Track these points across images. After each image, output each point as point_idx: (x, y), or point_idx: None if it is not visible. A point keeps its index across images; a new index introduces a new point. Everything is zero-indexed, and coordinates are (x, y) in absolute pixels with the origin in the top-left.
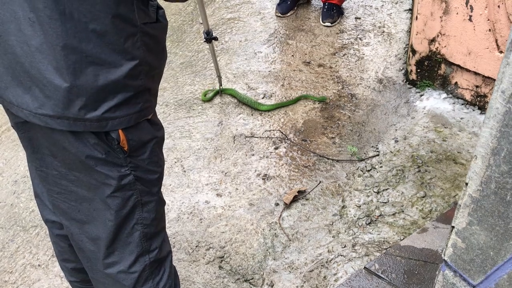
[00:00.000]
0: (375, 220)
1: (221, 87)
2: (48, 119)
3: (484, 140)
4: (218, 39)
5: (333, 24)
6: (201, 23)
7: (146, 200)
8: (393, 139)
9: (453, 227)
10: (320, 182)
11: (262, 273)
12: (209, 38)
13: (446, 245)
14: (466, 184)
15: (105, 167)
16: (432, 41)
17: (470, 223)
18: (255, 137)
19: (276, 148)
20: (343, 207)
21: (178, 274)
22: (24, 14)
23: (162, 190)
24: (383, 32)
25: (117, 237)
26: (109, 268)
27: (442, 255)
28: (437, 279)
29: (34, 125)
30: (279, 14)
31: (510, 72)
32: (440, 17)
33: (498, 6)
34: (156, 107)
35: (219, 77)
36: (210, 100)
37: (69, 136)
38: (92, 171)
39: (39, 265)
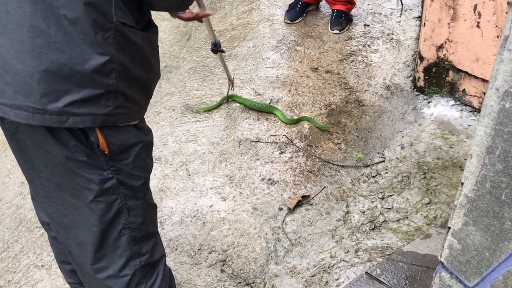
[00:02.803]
0: (379, 226)
1: (228, 93)
2: (7, 109)
3: (479, 138)
4: (225, 52)
5: (341, 31)
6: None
7: (132, 204)
8: (399, 145)
9: (449, 228)
10: (324, 188)
11: (263, 277)
12: (216, 49)
13: (443, 247)
14: (462, 184)
15: (86, 170)
16: (440, 47)
17: (465, 223)
18: (261, 141)
19: (281, 153)
20: (347, 212)
21: (180, 276)
22: None
23: (166, 193)
24: (392, 39)
25: (104, 242)
26: (99, 273)
27: (439, 257)
28: (434, 281)
29: (19, 126)
30: (288, 21)
31: (504, 69)
32: (448, 23)
33: (506, 12)
34: (163, 111)
35: (231, 82)
36: (215, 108)
37: (49, 138)
38: (74, 175)
39: (42, 266)
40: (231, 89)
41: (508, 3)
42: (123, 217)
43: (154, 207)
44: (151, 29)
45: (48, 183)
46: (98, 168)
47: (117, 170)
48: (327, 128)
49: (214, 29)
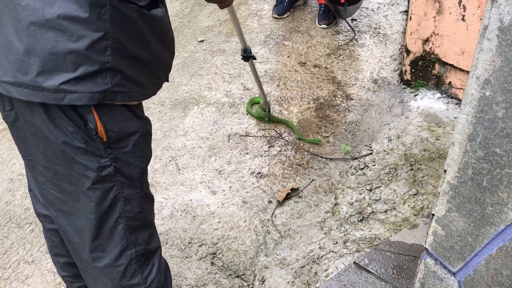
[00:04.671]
0: (367, 217)
1: (269, 114)
2: (10, 87)
3: (460, 126)
4: (257, 59)
5: (329, 26)
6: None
7: (128, 193)
8: (386, 138)
9: (433, 215)
10: (313, 180)
11: (253, 269)
12: (247, 56)
13: (427, 233)
14: (445, 171)
15: (84, 157)
16: (426, 41)
17: (449, 210)
18: (250, 136)
19: (270, 147)
20: (336, 204)
21: (170, 270)
22: None
23: (156, 187)
24: (379, 33)
25: (100, 231)
26: (96, 261)
27: (424, 244)
28: (419, 267)
29: (18, 113)
30: (276, 16)
31: (484, 58)
32: (434, 17)
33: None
34: (152, 106)
35: (266, 102)
36: (252, 114)
37: (48, 123)
38: (72, 162)
39: (32, 261)
40: (269, 113)
41: None
42: (119, 206)
43: (151, 198)
44: (157, 8)
45: (46, 172)
46: (96, 155)
47: (115, 158)
48: (319, 140)
49: (204, 24)
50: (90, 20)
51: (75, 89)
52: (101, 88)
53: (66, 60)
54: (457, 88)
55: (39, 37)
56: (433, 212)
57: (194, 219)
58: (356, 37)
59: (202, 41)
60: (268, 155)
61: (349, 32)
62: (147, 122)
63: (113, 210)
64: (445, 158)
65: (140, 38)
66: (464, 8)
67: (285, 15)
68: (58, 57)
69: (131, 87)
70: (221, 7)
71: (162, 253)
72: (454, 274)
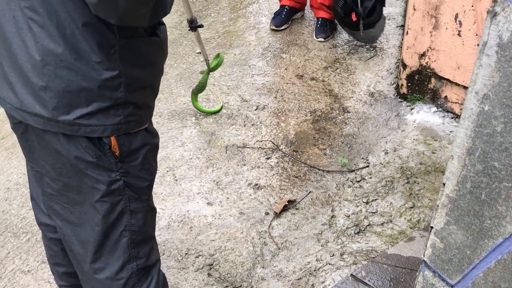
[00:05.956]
0: (364, 230)
1: (209, 68)
2: (26, 115)
3: (459, 140)
4: (203, 26)
5: (326, 39)
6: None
7: (135, 206)
8: (383, 151)
9: (431, 227)
10: (310, 192)
11: (250, 280)
12: (194, 26)
13: (426, 246)
14: (444, 184)
15: (95, 171)
16: (422, 55)
17: (447, 223)
18: (247, 147)
19: (267, 159)
20: (333, 216)
21: (167, 281)
22: (11, 12)
23: (153, 198)
24: (376, 47)
25: (104, 243)
26: (97, 273)
27: (422, 256)
28: (417, 280)
29: (28, 126)
30: (274, 27)
31: (483, 73)
32: (430, 32)
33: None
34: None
35: (207, 60)
36: (204, 86)
37: (62, 138)
38: (82, 175)
39: (28, 271)
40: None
41: (488, 12)
42: (125, 219)
43: (154, 210)
44: (160, 28)
45: (54, 183)
46: (106, 169)
47: (125, 172)
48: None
49: (202, 40)
50: (102, 61)
51: (89, 123)
52: (114, 121)
53: (80, 97)
54: (453, 102)
55: (53, 76)
56: (431, 225)
57: (191, 230)
58: (388, 17)
59: (200, 52)
60: (265, 167)
61: (345, 46)
62: (155, 135)
63: (119, 223)
64: (442, 172)
65: (151, 66)
66: (460, 23)
67: (283, 27)
68: (72, 95)
69: (142, 113)
70: None
71: None
72: (452, 286)
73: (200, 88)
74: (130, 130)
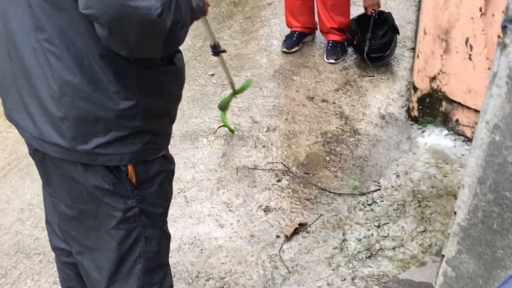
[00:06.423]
0: (375, 254)
1: (234, 90)
2: (45, 144)
3: (470, 169)
4: (226, 51)
5: (337, 61)
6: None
7: (150, 233)
8: (394, 174)
9: (443, 255)
10: (321, 215)
11: None
12: (217, 51)
13: (437, 274)
14: (455, 213)
15: (112, 198)
16: (433, 78)
17: (459, 251)
18: (258, 169)
19: (278, 181)
20: (344, 240)
21: None
22: (31, 44)
23: None
24: (386, 69)
25: (119, 269)
26: None
27: (434, 284)
28: None
29: (46, 154)
30: (285, 49)
31: (493, 104)
32: (441, 55)
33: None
34: None
35: (232, 83)
36: (227, 105)
37: (79, 167)
38: (99, 202)
39: None
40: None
41: (498, 44)
42: (140, 246)
43: (169, 236)
44: (177, 56)
45: (70, 210)
46: (123, 196)
47: (141, 199)
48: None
49: (216, 62)
50: (119, 91)
51: (106, 152)
52: (131, 150)
53: (97, 127)
54: (464, 125)
55: (71, 106)
56: (443, 253)
57: (201, 253)
58: (398, 39)
59: (213, 75)
60: (276, 189)
61: (356, 68)
62: (171, 161)
63: (133, 249)
64: (453, 195)
65: (163, 92)
66: (471, 47)
67: (294, 49)
68: (89, 124)
69: (159, 141)
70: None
71: None
72: None
73: (221, 106)
74: (147, 158)
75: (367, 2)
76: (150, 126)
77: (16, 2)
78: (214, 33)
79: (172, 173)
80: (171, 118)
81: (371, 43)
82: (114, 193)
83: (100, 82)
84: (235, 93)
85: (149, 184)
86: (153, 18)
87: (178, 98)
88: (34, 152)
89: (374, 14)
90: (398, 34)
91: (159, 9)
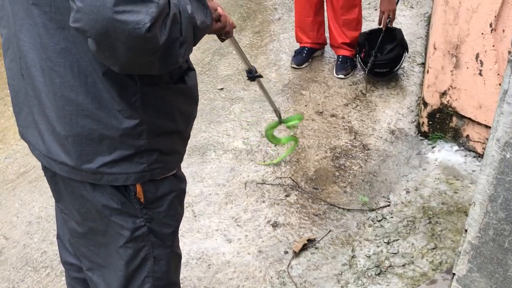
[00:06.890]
0: (385, 271)
1: (280, 119)
2: (52, 162)
3: (481, 187)
4: (263, 77)
5: (346, 76)
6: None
7: (158, 253)
8: (404, 190)
9: (454, 274)
10: (330, 231)
11: None
12: (253, 76)
13: None
14: (466, 231)
15: (120, 217)
16: (444, 94)
17: (470, 270)
18: (266, 184)
19: (287, 196)
20: (353, 257)
21: None
22: (39, 62)
23: None
24: (396, 84)
25: None
26: None
27: None
28: None
29: (56, 172)
30: (294, 66)
31: (504, 121)
32: (451, 71)
33: (508, 61)
34: None
35: (276, 111)
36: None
37: (88, 185)
38: (107, 221)
39: None
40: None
41: (508, 61)
42: (148, 265)
43: (179, 256)
44: (189, 74)
45: (80, 227)
46: (131, 215)
47: (149, 218)
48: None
49: (228, 76)
50: (123, 109)
51: (111, 171)
52: (137, 169)
53: (102, 146)
54: (475, 141)
55: (75, 125)
56: (453, 271)
57: (209, 268)
58: (408, 55)
59: (222, 89)
60: (285, 204)
61: (365, 83)
62: (182, 180)
63: (141, 269)
64: (464, 212)
65: (172, 110)
66: (481, 63)
67: (304, 65)
68: (94, 143)
69: (168, 159)
70: (222, 40)
71: None
72: None
73: (267, 135)
74: (155, 177)
75: (384, 7)
76: (157, 145)
77: (27, 19)
78: (247, 58)
79: (183, 192)
80: (183, 136)
81: (377, 57)
82: (122, 212)
83: (104, 100)
84: (280, 122)
85: (158, 203)
86: (141, 33)
87: (190, 116)
88: (46, 168)
89: (388, 21)
90: (407, 51)
91: (147, 23)
